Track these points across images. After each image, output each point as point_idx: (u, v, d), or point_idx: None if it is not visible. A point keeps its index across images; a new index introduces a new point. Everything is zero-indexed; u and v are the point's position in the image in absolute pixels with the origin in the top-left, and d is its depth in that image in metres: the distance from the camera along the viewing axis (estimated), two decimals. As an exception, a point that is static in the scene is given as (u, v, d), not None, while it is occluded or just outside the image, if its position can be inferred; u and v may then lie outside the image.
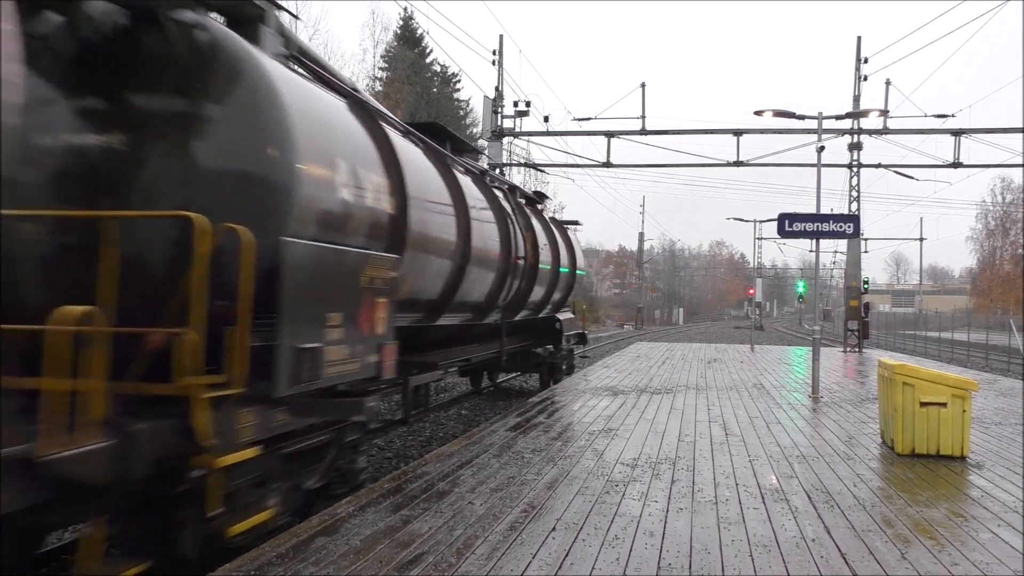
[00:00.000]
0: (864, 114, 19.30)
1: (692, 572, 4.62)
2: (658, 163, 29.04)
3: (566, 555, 4.87)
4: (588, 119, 26.58)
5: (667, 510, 5.97)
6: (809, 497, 6.48)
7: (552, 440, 8.75)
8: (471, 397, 17.70)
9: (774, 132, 25.47)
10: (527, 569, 4.61)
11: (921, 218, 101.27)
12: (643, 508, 6.02)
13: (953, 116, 25.98)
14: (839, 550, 5.09)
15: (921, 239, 63.58)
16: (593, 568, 4.65)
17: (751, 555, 4.95)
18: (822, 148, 14.80)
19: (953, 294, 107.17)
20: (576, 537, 5.24)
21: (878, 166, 27.49)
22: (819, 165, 14.67)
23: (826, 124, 15.12)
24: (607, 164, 27.40)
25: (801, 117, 15.11)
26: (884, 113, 21.49)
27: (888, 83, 27.16)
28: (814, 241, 14.33)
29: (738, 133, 25.75)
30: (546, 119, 27.80)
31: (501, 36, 27.64)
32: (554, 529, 5.41)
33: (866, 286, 29.36)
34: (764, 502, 6.28)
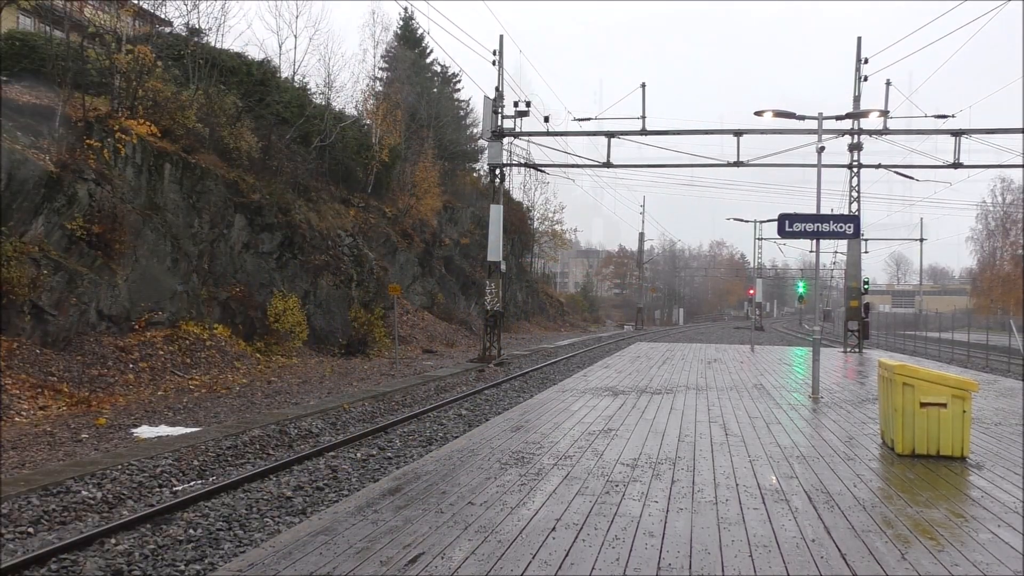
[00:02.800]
0: (864, 114, 19.29)
1: (692, 572, 4.62)
2: (658, 163, 29.11)
3: (566, 555, 4.87)
4: (588, 119, 26.55)
5: (667, 510, 5.97)
6: (809, 497, 6.48)
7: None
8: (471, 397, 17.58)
9: (774, 132, 25.47)
10: (527, 569, 4.61)
11: (921, 218, 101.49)
12: (643, 508, 6.02)
13: (953, 116, 25.99)
14: (839, 550, 5.09)
15: (921, 239, 63.48)
16: (593, 568, 4.65)
17: (751, 555, 4.95)
18: (822, 148, 14.80)
19: (953, 294, 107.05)
20: (576, 537, 5.24)
21: (878, 166, 27.51)
22: (819, 165, 14.68)
23: (826, 124, 15.11)
24: (607, 164, 27.39)
25: (801, 117, 15.13)
26: (884, 113, 21.47)
27: (888, 83, 27.20)
28: (814, 241, 14.33)
29: (738, 133, 25.74)
30: (546, 119, 27.74)
31: (501, 36, 27.59)
32: (554, 529, 5.42)
33: (866, 286, 29.35)
34: (764, 502, 6.28)
